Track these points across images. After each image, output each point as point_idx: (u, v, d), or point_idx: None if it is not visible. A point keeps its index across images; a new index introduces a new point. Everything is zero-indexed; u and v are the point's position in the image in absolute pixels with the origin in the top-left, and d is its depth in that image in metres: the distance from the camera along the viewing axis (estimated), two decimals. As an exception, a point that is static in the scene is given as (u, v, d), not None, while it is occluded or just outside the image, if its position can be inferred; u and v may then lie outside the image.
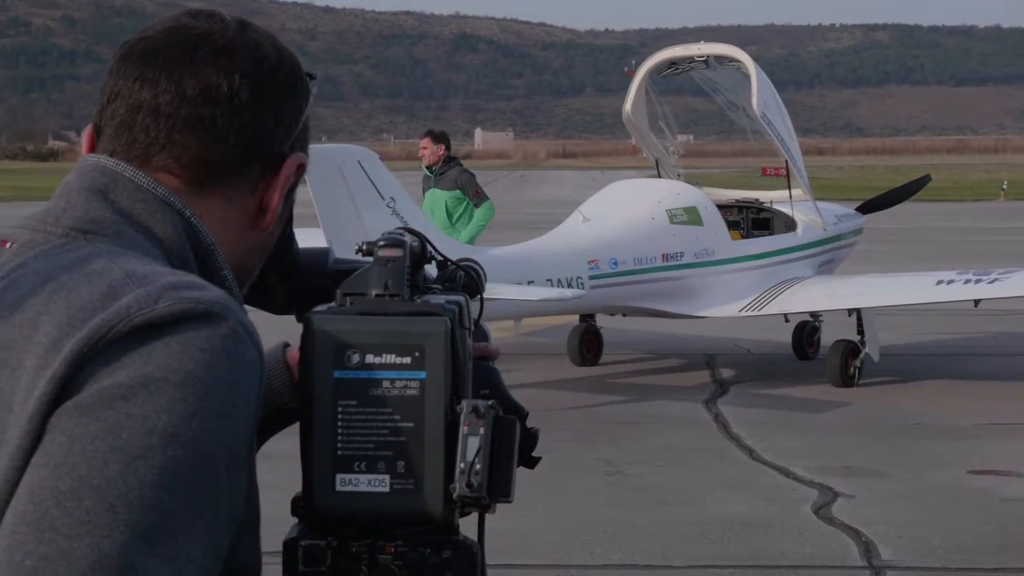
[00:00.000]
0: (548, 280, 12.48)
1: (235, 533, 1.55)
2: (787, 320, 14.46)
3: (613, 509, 8.92)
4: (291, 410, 1.97)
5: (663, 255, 13.52)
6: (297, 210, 1.93)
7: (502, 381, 1.83)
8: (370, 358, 1.68)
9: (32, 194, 46.56)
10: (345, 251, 1.99)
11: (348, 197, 11.79)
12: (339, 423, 1.68)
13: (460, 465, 1.67)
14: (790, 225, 14.82)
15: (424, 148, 14.20)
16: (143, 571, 1.40)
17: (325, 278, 2.01)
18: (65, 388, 1.48)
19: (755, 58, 15.11)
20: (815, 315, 14.45)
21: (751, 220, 15.10)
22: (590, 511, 8.86)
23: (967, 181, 63.32)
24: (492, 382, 1.80)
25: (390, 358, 1.68)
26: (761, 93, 14.38)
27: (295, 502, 1.73)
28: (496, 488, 1.69)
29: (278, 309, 2.06)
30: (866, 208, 16.64)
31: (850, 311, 13.38)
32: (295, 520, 1.75)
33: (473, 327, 1.85)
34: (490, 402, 1.70)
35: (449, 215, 13.89)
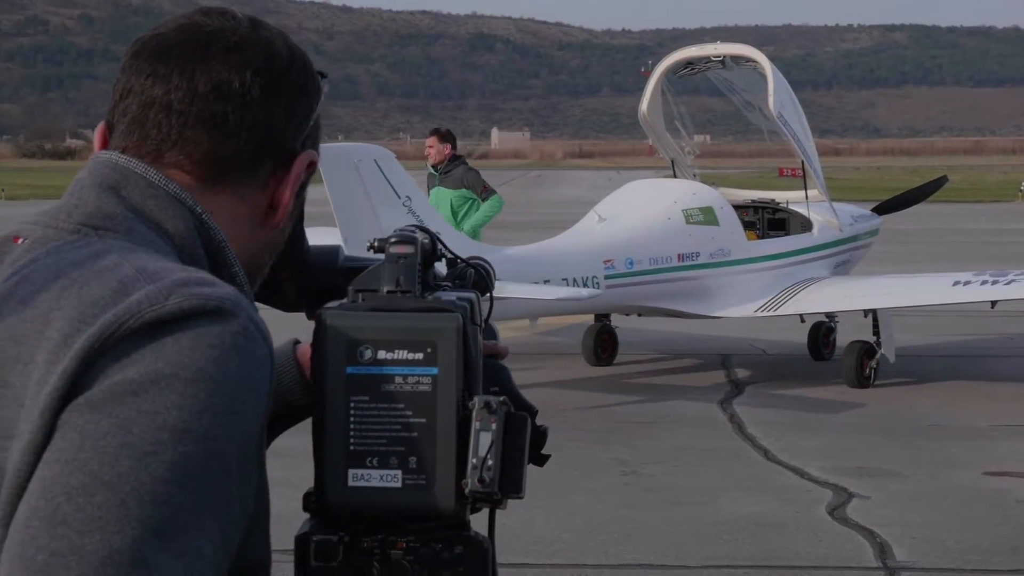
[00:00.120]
0: (564, 280, 12.48)
1: (245, 529, 1.55)
2: (803, 321, 14.44)
3: (628, 509, 8.92)
4: (301, 407, 1.98)
5: (679, 255, 13.51)
6: (309, 209, 1.93)
7: (511, 379, 1.84)
8: (382, 354, 1.68)
9: (49, 192, 46.70)
10: (361, 250, 2.00)
11: (364, 196, 11.81)
12: (351, 419, 1.69)
13: (472, 461, 1.67)
14: (806, 226, 14.80)
15: (430, 147, 14.20)
16: (154, 566, 1.41)
17: (335, 275, 2.02)
18: (76, 384, 1.48)
19: (772, 58, 15.09)
20: (831, 316, 14.43)
21: (767, 220, 15.08)
22: (604, 511, 8.86)
23: (985, 182, 63.21)
24: (501, 380, 1.81)
25: (402, 354, 1.68)
26: (777, 93, 14.36)
27: (307, 497, 1.74)
28: (507, 484, 1.69)
29: (288, 306, 2.06)
30: (882, 209, 16.61)
31: (866, 312, 13.35)
32: (307, 516, 1.75)
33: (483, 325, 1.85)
34: (502, 398, 1.70)
35: (454, 213, 13.89)
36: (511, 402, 1.74)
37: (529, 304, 11.77)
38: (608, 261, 12.97)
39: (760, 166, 67.05)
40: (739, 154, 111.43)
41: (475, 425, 1.68)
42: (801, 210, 14.91)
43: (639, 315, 14.24)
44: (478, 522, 1.77)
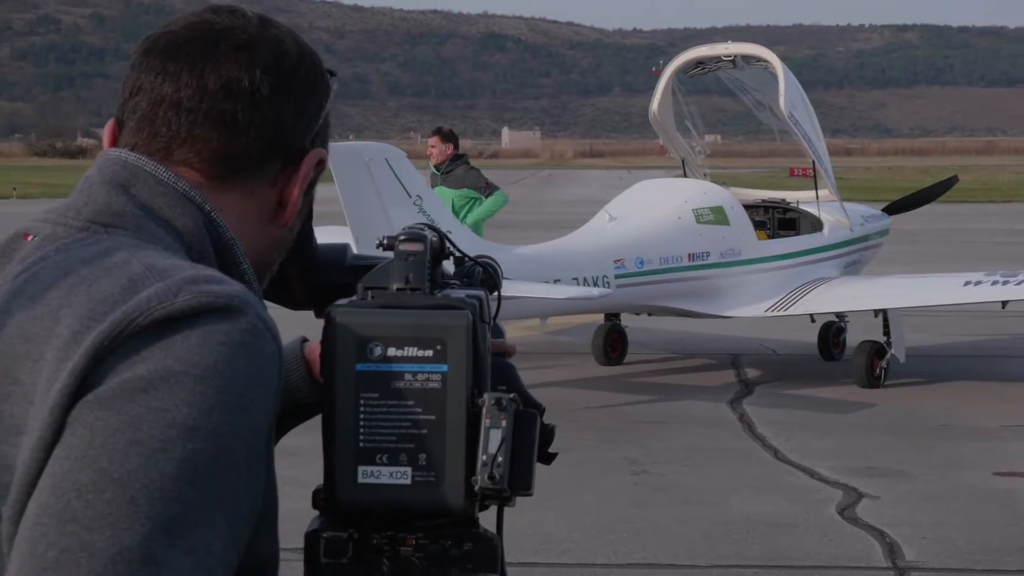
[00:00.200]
0: (574, 279, 12.48)
1: (254, 526, 1.55)
2: (813, 320, 14.43)
3: (637, 508, 8.92)
4: (309, 405, 1.98)
5: (689, 255, 13.51)
6: (319, 208, 1.94)
7: (518, 377, 1.84)
8: (392, 351, 1.68)
9: (60, 191, 46.73)
10: (372, 249, 2.00)
11: (375, 195, 11.82)
12: (361, 415, 1.69)
13: (482, 457, 1.68)
14: (816, 225, 14.79)
15: (432, 147, 14.19)
16: (164, 563, 1.41)
17: (343, 274, 2.02)
18: (86, 381, 1.49)
19: (783, 58, 15.08)
20: (841, 316, 14.42)
21: (777, 220, 15.07)
22: (614, 510, 8.86)
23: (996, 182, 63.09)
24: (509, 378, 1.81)
25: (412, 351, 1.68)
26: (788, 93, 14.35)
27: (316, 494, 1.74)
28: (517, 481, 1.69)
29: (296, 304, 2.07)
30: (893, 209, 16.59)
31: (876, 312, 13.34)
32: (316, 514, 1.76)
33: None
34: (512, 395, 1.71)
35: (456, 213, 13.88)
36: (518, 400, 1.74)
37: (540, 303, 11.77)
38: (618, 260, 12.97)
39: (771, 166, 67.03)
40: (750, 154, 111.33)
41: (485, 422, 1.68)
42: (812, 210, 14.90)
43: (649, 314, 14.23)
44: (486, 520, 1.77)
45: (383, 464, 1.69)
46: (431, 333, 1.69)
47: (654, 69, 17.67)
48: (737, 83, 15.87)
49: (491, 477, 1.67)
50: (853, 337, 13.99)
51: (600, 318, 14.63)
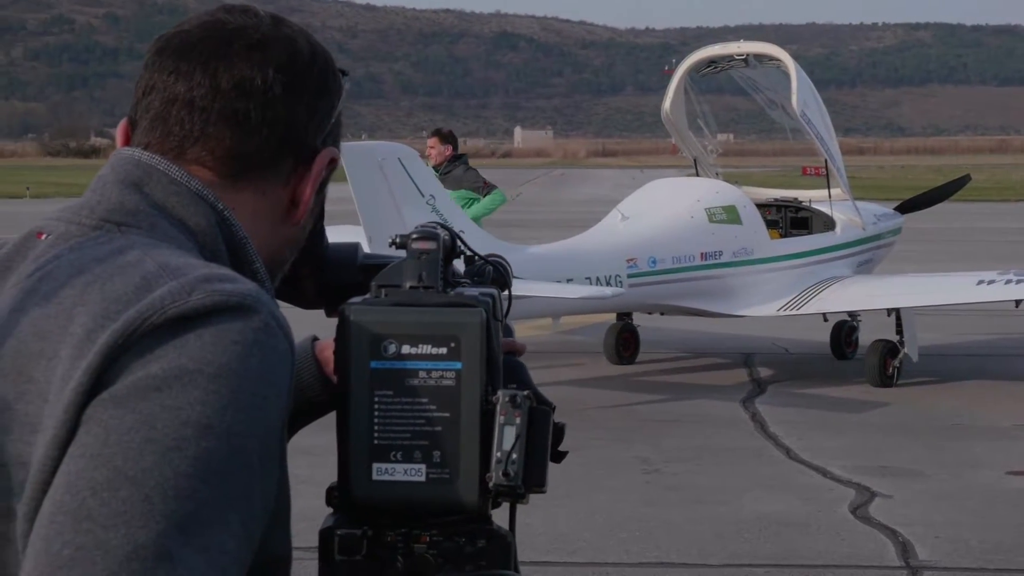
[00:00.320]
0: (587, 278, 12.48)
1: (267, 525, 1.56)
2: (826, 319, 14.42)
3: (649, 507, 8.92)
4: (320, 403, 1.99)
5: (702, 254, 13.50)
6: (332, 207, 1.94)
7: (529, 376, 1.84)
8: (406, 348, 1.69)
9: (74, 190, 46.81)
10: (385, 248, 2.01)
11: (388, 194, 11.83)
12: (375, 413, 1.69)
13: (496, 454, 1.68)
14: (829, 224, 14.77)
15: (431, 147, 14.16)
16: (178, 560, 1.42)
17: (354, 273, 2.03)
18: (100, 379, 1.49)
19: (796, 57, 15.06)
20: (853, 315, 14.41)
21: (790, 219, 15.06)
22: (626, 509, 8.86)
23: (1009, 181, 62.95)
24: (519, 377, 1.81)
25: (426, 348, 1.69)
26: (801, 92, 14.33)
27: (330, 492, 1.74)
28: (531, 478, 1.70)
29: (307, 303, 2.08)
30: (905, 208, 16.57)
31: (889, 311, 13.32)
32: (329, 511, 1.76)
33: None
34: (526, 392, 1.71)
35: None
36: None
37: (552, 303, 11.77)
38: (631, 260, 12.96)
39: (783, 165, 66.97)
40: (762, 153, 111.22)
41: (499, 419, 1.69)
42: (824, 209, 14.88)
43: (661, 314, 14.23)
44: (498, 518, 1.78)
45: (397, 461, 1.69)
46: (445, 331, 1.69)
47: (666, 68, 17.66)
48: (750, 82, 15.86)
49: (505, 474, 1.68)
50: (866, 336, 13.98)
51: (612, 317, 14.62)
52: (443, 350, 1.69)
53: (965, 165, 65.68)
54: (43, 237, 1.68)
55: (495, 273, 1.98)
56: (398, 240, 1.82)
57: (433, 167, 14.15)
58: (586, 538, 8.19)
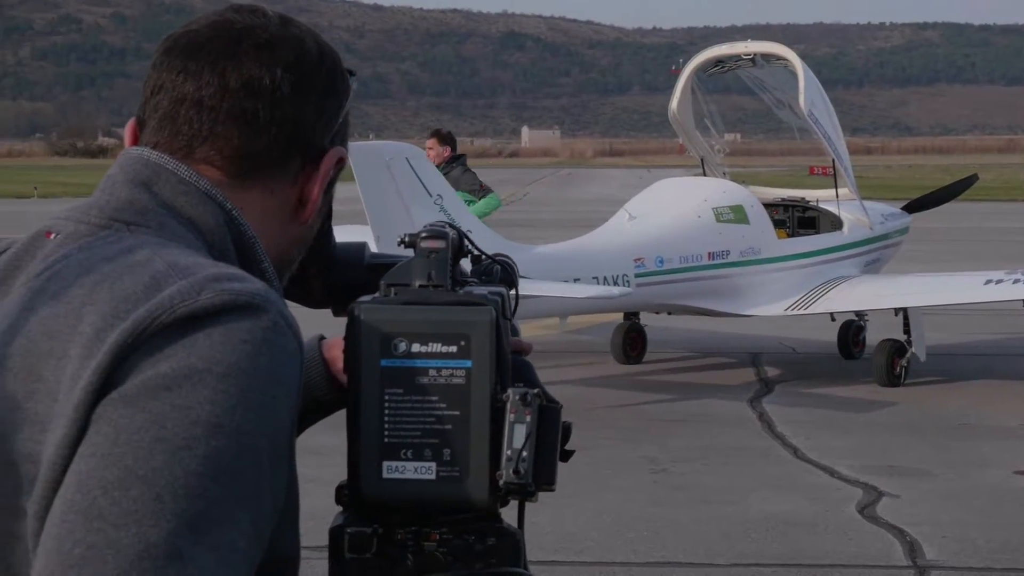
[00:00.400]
0: (594, 278, 12.48)
1: (275, 523, 1.57)
2: (833, 319, 14.42)
3: (656, 507, 8.92)
4: (327, 402, 2.00)
5: (709, 253, 13.49)
6: (340, 207, 1.95)
7: (536, 375, 1.85)
8: (416, 347, 1.69)
9: (81, 190, 46.88)
10: (393, 247, 2.01)
11: (396, 194, 11.83)
12: (386, 411, 1.70)
13: (507, 452, 1.69)
14: (836, 224, 14.76)
15: (430, 148, 14.12)
16: (189, 559, 1.42)
17: (362, 272, 2.03)
18: (110, 378, 1.49)
19: (803, 57, 15.04)
20: (861, 314, 14.40)
21: (797, 219, 15.05)
22: (634, 509, 8.86)
23: (1017, 180, 62.90)
24: (526, 376, 1.82)
25: (436, 347, 1.69)
26: (808, 91, 14.32)
27: (339, 490, 1.75)
28: (541, 476, 1.70)
29: (315, 302, 2.08)
30: (912, 207, 16.56)
31: (897, 311, 13.32)
32: (339, 510, 1.77)
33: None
34: (536, 390, 1.72)
35: None
36: None
37: (560, 303, 11.77)
38: (638, 259, 12.96)
39: (790, 164, 66.92)
40: (769, 152, 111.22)
41: (509, 417, 1.69)
42: (831, 208, 14.88)
43: (669, 313, 14.23)
44: (506, 516, 1.78)
45: (408, 459, 1.70)
46: (455, 329, 1.70)
47: (673, 68, 17.64)
48: (757, 81, 15.85)
49: (516, 472, 1.68)
50: (873, 336, 13.97)
51: (619, 317, 14.62)
52: (453, 348, 1.69)
53: (973, 165, 65.61)
54: (52, 236, 1.68)
55: (502, 272, 1.99)
56: (407, 239, 1.83)
57: None
58: (593, 537, 8.19)
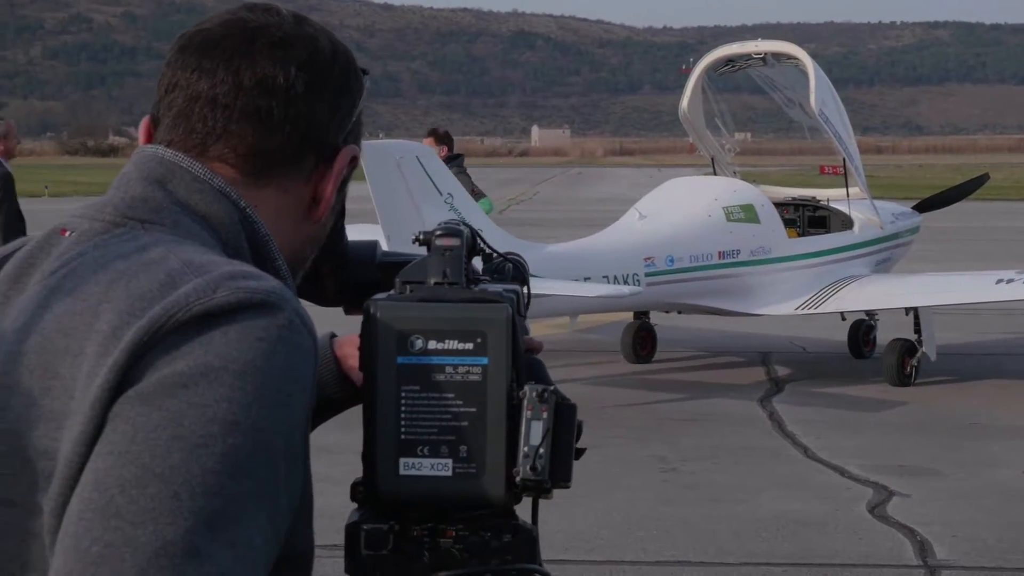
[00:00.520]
0: (605, 277, 12.48)
1: (290, 520, 1.57)
2: (843, 319, 14.40)
3: (667, 506, 8.92)
4: (339, 400, 2.01)
5: (719, 252, 13.49)
6: (351, 206, 1.95)
7: (547, 373, 1.85)
8: (433, 344, 1.70)
9: (92, 189, 46.91)
10: (403, 246, 2.01)
11: (406, 192, 11.84)
12: (402, 408, 1.70)
13: (524, 449, 1.69)
14: (847, 223, 14.75)
15: None
16: (206, 557, 1.42)
17: (373, 270, 2.04)
18: (126, 376, 1.50)
19: (814, 56, 15.03)
20: (871, 314, 14.39)
21: (808, 218, 15.04)
22: (644, 508, 8.86)
23: (1028, 180, 62.76)
24: (538, 374, 1.82)
25: (453, 344, 1.70)
26: (819, 90, 14.31)
27: (355, 487, 1.75)
28: (557, 472, 1.71)
29: (327, 301, 2.08)
30: (923, 207, 16.54)
31: (907, 310, 13.30)
32: (353, 507, 1.77)
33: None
34: (552, 387, 1.72)
35: None
36: None
37: (570, 302, 11.77)
38: (649, 258, 12.96)
39: (801, 164, 66.86)
40: (780, 152, 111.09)
41: (526, 414, 1.70)
42: (842, 208, 14.87)
43: (679, 312, 14.22)
44: (521, 514, 1.79)
45: (424, 456, 1.70)
46: (471, 326, 1.70)
47: (684, 67, 17.64)
48: (767, 81, 15.85)
49: (533, 468, 1.69)
50: (883, 335, 13.96)
51: (629, 316, 14.62)
52: (469, 345, 1.70)
53: (983, 164, 65.48)
54: (67, 234, 1.69)
55: (514, 271, 1.99)
56: (421, 237, 1.83)
57: None
58: (604, 536, 8.19)
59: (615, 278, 12.56)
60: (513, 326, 1.71)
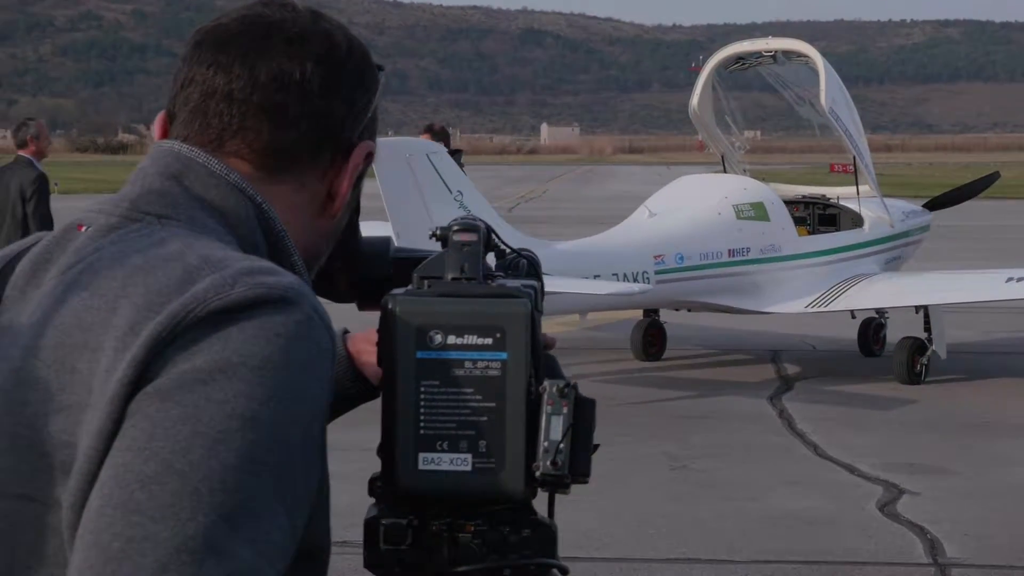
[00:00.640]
0: (614, 275, 12.48)
1: (308, 516, 1.58)
2: (853, 317, 14.39)
3: (677, 504, 8.92)
4: (352, 396, 2.01)
5: (729, 250, 13.49)
6: (360, 202, 1.95)
7: (561, 369, 1.86)
8: (452, 339, 1.70)
9: (102, 186, 46.98)
10: (414, 243, 2.01)
11: (416, 190, 11.85)
12: (421, 403, 1.70)
13: (544, 444, 1.70)
14: (857, 221, 14.74)
15: None
16: (227, 552, 1.43)
17: (386, 266, 2.04)
18: (145, 372, 1.50)
19: (824, 54, 15.03)
20: (881, 312, 14.37)
21: (817, 216, 15.04)
22: (654, 505, 8.86)
23: (1038, 178, 62.63)
24: (551, 370, 1.83)
25: (472, 339, 1.70)
26: (829, 88, 14.31)
27: (372, 482, 1.76)
28: (577, 467, 1.72)
29: (340, 297, 2.08)
30: (933, 205, 16.52)
31: (917, 308, 13.29)
32: (371, 502, 1.78)
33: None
34: (573, 382, 1.73)
35: None
36: None
37: (580, 299, 11.77)
38: (658, 256, 12.96)
39: (811, 162, 66.77)
40: (790, 150, 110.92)
41: (546, 409, 1.70)
42: (852, 206, 14.86)
43: (688, 310, 14.22)
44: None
45: (444, 451, 1.70)
46: (491, 321, 1.70)
47: (693, 65, 17.64)
48: (777, 79, 15.84)
49: (553, 463, 1.69)
50: (893, 333, 13.95)
51: (639, 314, 14.61)
52: (489, 340, 1.70)
53: (994, 162, 65.42)
54: (83, 229, 1.69)
55: (528, 267, 1.99)
56: (439, 232, 1.84)
57: None
58: (614, 534, 8.20)
59: (625, 276, 12.55)
60: (532, 321, 1.71)
